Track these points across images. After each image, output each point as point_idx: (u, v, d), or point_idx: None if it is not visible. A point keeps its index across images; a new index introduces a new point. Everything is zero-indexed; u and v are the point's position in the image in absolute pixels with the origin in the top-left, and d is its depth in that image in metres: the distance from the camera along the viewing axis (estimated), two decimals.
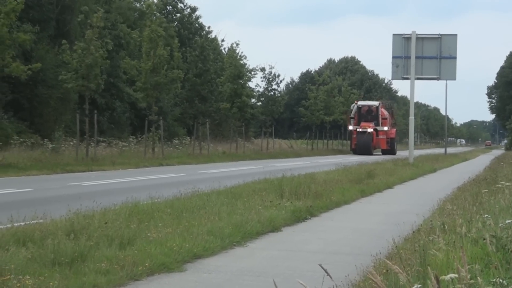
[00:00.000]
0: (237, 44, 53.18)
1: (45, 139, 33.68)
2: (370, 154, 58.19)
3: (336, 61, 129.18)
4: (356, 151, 60.11)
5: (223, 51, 64.97)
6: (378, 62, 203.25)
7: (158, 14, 54.07)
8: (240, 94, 47.25)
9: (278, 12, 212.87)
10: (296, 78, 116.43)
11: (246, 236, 10.48)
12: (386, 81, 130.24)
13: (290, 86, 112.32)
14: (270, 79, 54.02)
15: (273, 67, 54.37)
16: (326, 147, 67.72)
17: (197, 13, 67.34)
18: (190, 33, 63.67)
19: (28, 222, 9.24)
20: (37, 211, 10.02)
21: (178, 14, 66.17)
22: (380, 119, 62.94)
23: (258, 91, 54.79)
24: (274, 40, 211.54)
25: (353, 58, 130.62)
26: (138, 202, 12.25)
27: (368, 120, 62.21)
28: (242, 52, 52.53)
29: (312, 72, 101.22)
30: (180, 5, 66.51)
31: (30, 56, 37.37)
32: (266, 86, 54.21)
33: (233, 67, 48.08)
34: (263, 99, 54.83)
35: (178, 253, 8.53)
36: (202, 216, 11.30)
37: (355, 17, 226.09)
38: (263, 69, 53.91)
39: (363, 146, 59.77)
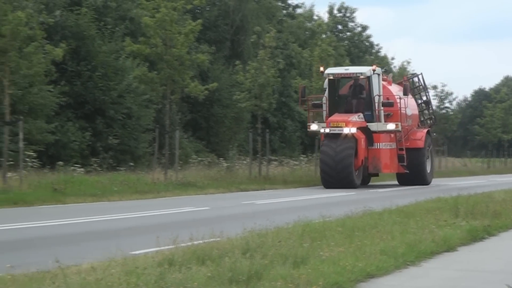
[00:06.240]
0: (408, 62, 52.67)
1: (220, 158, 34.72)
2: (352, 185, 27.21)
3: None
4: (322, 177, 28.01)
5: (393, 69, 64.47)
6: None
7: (329, 33, 54.52)
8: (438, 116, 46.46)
9: (455, 29, 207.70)
10: (468, 95, 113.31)
11: (420, 255, 10.29)
12: None
13: (463, 103, 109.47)
14: (442, 97, 53.20)
15: (445, 85, 53.42)
16: (504, 165, 65.16)
17: (368, 31, 67.38)
18: (361, 51, 63.64)
19: (206, 240, 9.57)
20: (214, 229, 10.33)
21: (348, 33, 66.34)
22: (376, 106, 28.96)
23: None
24: (448, 57, 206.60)
25: None
26: (310, 221, 12.34)
27: (349, 109, 29.03)
28: (413, 70, 52.05)
29: (487, 89, 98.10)
30: (350, 24, 66.70)
31: (207, 76, 38.73)
32: (438, 104, 53.43)
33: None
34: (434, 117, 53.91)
35: (351, 272, 8.51)
36: (374, 235, 11.21)
37: None
38: (435, 87, 53.17)
39: (332, 167, 27.18)
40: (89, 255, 9.30)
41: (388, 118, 29.36)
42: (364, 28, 66.72)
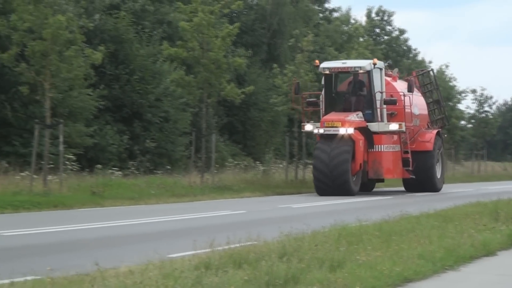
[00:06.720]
0: (447, 66, 52.16)
1: (257, 162, 34.76)
2: (348, 192, 24.50)
3: None
4: (315, 183, 25.26)
5: (430, 73, 64.00)
6: None
7: (366, 36, 54.31)
8: (449, 116, 46.28)
9: (495, 32, 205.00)
10: (508, 99, 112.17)
11: (459, 260, 10.19)
12: None
13: (503, 107, 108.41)
14: (482, 101, 52.66)
15: (485, 89, 52.85)
16: None
17: (406, 35, 67.00)
18: (398, 55, 63.26)
19: (243, 244, 9.61)
20: (251, 232, 10.36)
21: (386, 37, 66.04)
22: (378, 104, 26.09)
23: (468, 113, 53.63)
24: (488, 60, 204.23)
25: None
26: (346, 225, 12.31)
27: (347, 107, 26.34)
28: (451, 74, 51.60)
29: None
30: (388, 27, 66.40)
31: (243, 80, 38.81)
32: (477, 108, 52.93)
33: (442, 89, 47.19)
34: (473, 121, 53.48)
35: (388, 277, 8.47)
36: (412, 239, 11.14)
37: None
38: (473, 91, 52.69)
39: (326, 172, 24.49)
40: (127, 258, 9.38)
41: (392, 117, 26.46)
42: (402, 31, 66.37)
